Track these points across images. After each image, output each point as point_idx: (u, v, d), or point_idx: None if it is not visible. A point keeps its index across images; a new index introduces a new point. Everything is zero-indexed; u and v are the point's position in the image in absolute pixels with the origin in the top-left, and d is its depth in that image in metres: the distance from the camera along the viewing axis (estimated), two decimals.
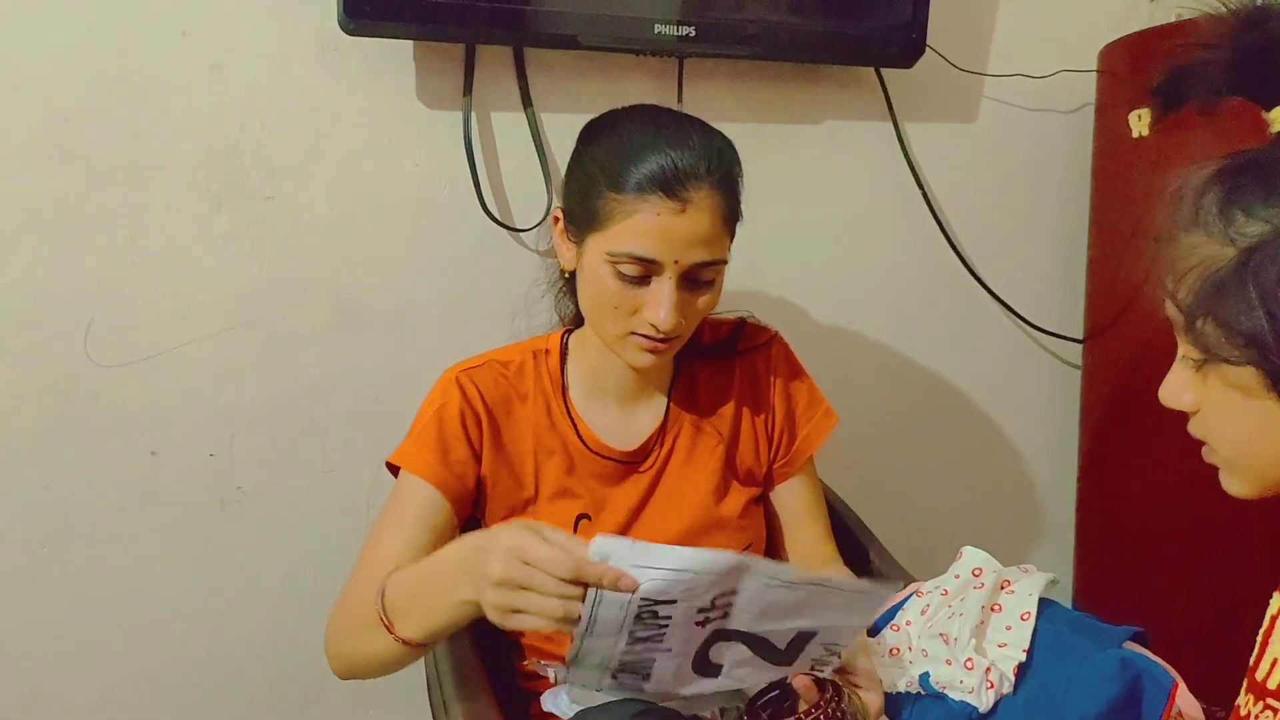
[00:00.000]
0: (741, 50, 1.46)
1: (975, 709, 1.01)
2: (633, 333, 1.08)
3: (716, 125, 1.10)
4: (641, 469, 1.19)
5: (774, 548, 1.27)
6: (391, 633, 0.95)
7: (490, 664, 1.11)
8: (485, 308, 1.46)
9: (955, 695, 1.02)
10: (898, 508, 1.64)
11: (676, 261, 1.04)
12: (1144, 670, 0.98)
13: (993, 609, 1.09)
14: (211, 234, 1.35)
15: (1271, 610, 0.76)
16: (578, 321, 1.21)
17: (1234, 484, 0.80)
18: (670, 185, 1.02)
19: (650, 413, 1.21)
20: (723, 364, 1.24)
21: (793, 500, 1.27)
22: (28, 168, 1.26)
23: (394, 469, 1.13)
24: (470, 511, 1.15)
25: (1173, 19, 1.64)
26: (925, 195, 1.67)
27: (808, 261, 1.64)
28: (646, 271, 1.05)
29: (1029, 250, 1.79)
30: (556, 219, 1.14)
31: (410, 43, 1.38)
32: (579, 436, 1.17)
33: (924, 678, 1.05)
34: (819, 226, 1.64)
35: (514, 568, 0.81)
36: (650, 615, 0.81)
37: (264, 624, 1.46)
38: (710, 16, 1.41)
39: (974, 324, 1.78)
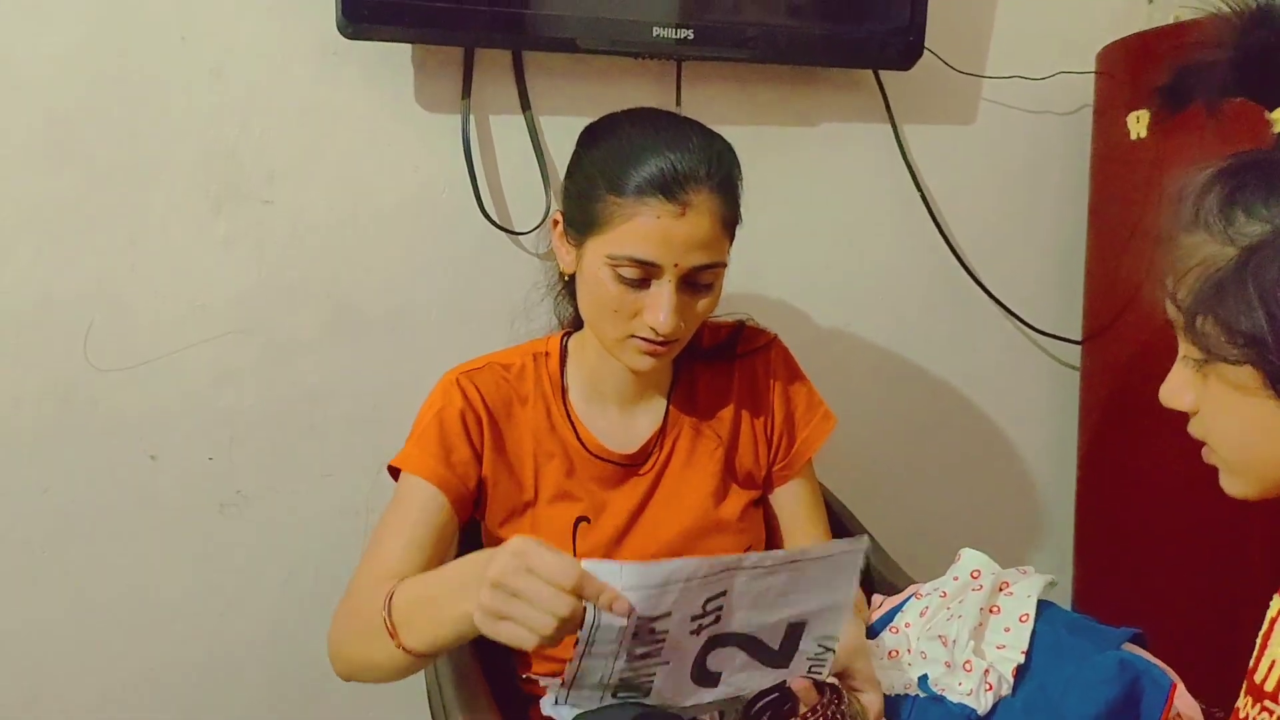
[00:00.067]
0: (740, 53, 1.46)
1: (974, 711, 1.01)
2: (632, 336, 1.08)
3: (715, 128, 1.10)
4: (641, 472, 1.19)
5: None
6: (396, 641, 0.95)
7: (490, 667, 1.11)
8: (484, 311, 1.46)
9: (954, 697, 1.03)
10: (896, 510, 1.64)
11: (676, 264, 1.04)
12: (1143, 672, 0.98)
13: (991, 611, 1.09)
14: (211, 237, 1.35)
15: (1271, 612, 0.76)
16: (577, 324, 1.21)
17: (1233, 485, 0.80)
18: (670, 188, 1.02)
19: (649, 416, 1.21)
20: (722, 367, 1.24)
21: (792, 503, 1.27)
22: (27, 170, 1.27)
23: (394, 472, 1.13)
24: (470, 513, 1.15)
25: (1171, 20, 1.64)
26: (924, 197, 1.67)
27: (806, 264, 1.64)
28: (646, 274, 1.05)
29: (1027, 252, 1.80)
30: (556, 222, 1.14)
31: (409, 46, 1.38)
32: (578, 439, 1.17)
33: (923, 680, 1.05)
34: (817, 229, 1.64)
35: (512, 572, 0.81)
36: (647, 632, 0.81)
37: (263, 627, 1.46)
38: (708, 20, 1.41)
39: (973, 326, 1.78)
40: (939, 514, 1.81)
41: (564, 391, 1.19)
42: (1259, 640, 0.76)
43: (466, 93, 1.40)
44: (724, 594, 0.83)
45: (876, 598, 1.24)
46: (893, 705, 1.05)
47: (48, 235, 1.29)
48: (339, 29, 1.27)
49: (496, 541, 1.15)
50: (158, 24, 1.29)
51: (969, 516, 1.84)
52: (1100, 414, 1.70)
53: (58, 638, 1.37)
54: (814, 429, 1.26)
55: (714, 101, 1.53)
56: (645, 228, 1.02)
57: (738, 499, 1.22)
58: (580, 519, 1.16)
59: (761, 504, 1.27)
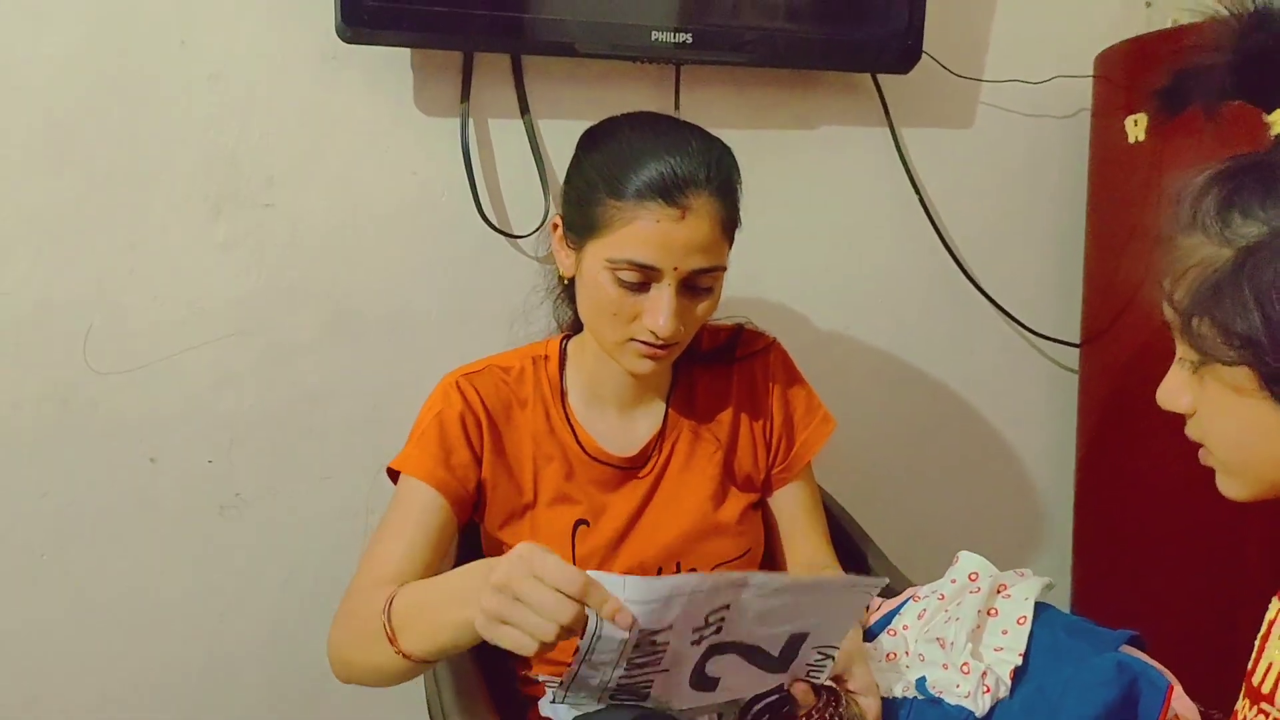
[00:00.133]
0: (738, 57, 1.46)
1: (971, 713, 1.01)
2: (632, 339, 1.08)
3: (714, 132, 1.11)
4: (640, 475, 1.19)
5: (772, 553, 1.28)
6: (395, 645, 0.94)
7: (489, 668, 1.11)
8: (483, 314, 1.46)
9: (951, 699, 1.02)
10: (895, 512, 1.64)
11: (675, 268, 1.04)
12: (1140, 674, 0.98)
13: (989, 613, 1.09)
14: (210, 241, 1.35)
15: (1269, 615, 0.76)
16: (576, 328, 1.21)
17: (1230, 486, 0.80)
18: (670, 192, 1.02)
19: (649, 419, 1.21)
20: (721, 370, 1.25)
21: (791, 506, 1.27)
22: (27, 173, 1.27)
23: (393, 475, 1.13)
24: (469, 516, 1.15)
25: (1169, 24, 1.64)
26: (922, 201, 1.68)
27: (805, 267, 1.65)
28: (646, 278, 1.05)
29: (1026, 255, 1.80)
30: (555, 225, 1.14)
31: (408, 51, 1.38)
32: (578, 442, 1.17)
33: (920, 682, 1.05)
34: (816, 232, 1.65)
35: (518, 577, 0.80)
36: (648, 643, 0.81)
37: (263, 628, 1.46)
38: (707, 24, 1.41)
39: (971, 329, 1.78)
40: (938, 516, 1.81)
41: (563, 394, 1.19)
42: (1257, 643, 0.76)
43: (465, 96, 1.40)
44: (727, 607, 0.83)
45: (874, 600, 1.24)
46: (890, 708, 1.05)
47: (47, 238, 1.29)
48: (338, 33, 1.27)
49: (495, 544, 1.16)
50: (157, 28, 1.29)
51: (968, 519, 1.84)
52: (1099, 416, 1.70)
53: (58, 639, 1.37)
54: (813, 432, 1.26)
55: (713, 105, 1.53)
56: (645, 231, 1.03)
57: (737, 502, 1.22)
58: (579, 522, 1.16)
59: (761, 507, 1.27)
